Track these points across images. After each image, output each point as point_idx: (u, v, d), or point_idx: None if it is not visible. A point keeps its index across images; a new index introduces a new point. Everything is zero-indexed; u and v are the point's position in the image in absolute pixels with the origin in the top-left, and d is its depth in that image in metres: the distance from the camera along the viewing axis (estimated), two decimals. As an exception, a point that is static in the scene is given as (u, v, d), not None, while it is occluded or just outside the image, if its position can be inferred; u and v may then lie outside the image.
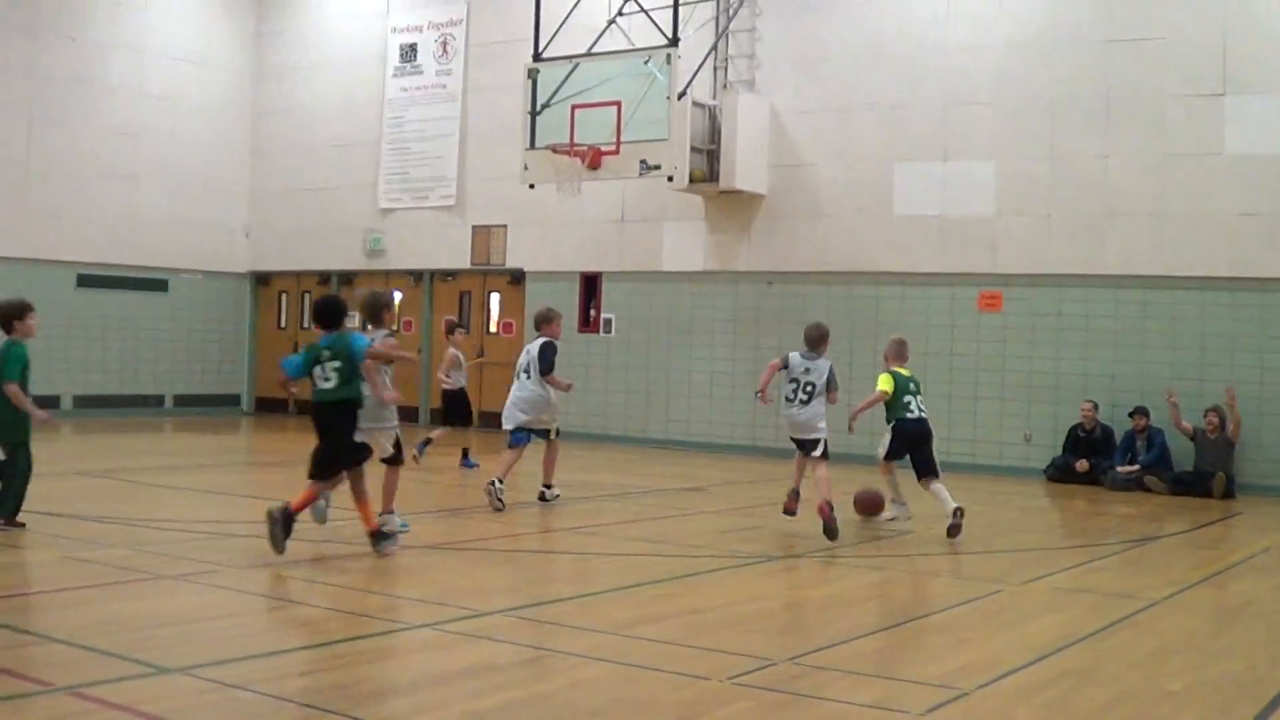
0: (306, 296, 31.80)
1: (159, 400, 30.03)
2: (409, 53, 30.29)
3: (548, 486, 17.13)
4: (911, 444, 15.66)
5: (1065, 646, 9.38)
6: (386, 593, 10.84)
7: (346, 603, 10.28)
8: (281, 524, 11.92)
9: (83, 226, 29.66)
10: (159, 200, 31.05)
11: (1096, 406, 21.73)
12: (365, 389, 12.60)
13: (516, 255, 28.28)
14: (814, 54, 24.86)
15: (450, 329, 22.21)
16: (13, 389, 13.18)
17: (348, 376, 12.41)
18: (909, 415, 15.65)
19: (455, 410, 21.47)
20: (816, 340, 15.45)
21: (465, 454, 21.28)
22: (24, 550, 12.30)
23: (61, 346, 28.97)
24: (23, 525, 13.10)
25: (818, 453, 15.08)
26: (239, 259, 32.74)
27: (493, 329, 28.86)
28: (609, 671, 8.28)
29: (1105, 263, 22.17)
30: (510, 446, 16.63)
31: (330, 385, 12.39)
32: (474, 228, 28.97)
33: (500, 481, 16.11)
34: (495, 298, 29.08)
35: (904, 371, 15.92)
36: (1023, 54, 22.94)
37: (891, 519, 16.00)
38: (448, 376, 21.33)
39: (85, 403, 29.47)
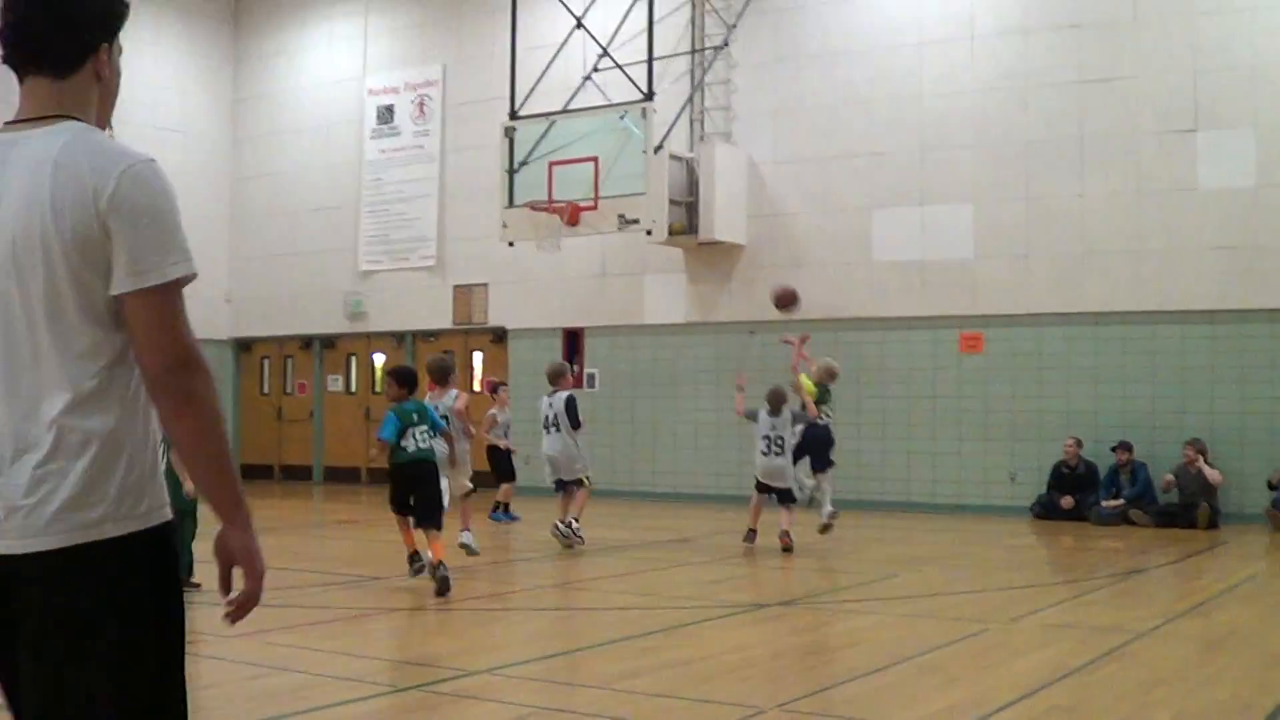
0: (289, 361, 31.88)
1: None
2: (386, 114, 30.39)
3: (574, 520, 18.09)
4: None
5: (1053, 682, 9.39)
6: (373, 655, 10.85)
7: (333, 667, 10.26)
8: (442, 579, 13.55)
9: (65, 299, 29.59)
10: (139, 270, 30.97)
11: (1080, 443, 21.80)
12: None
13: (498, 313, 28.32)
14: (790, 105, 25.00)
15: (494, 388, 22.70)
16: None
17: (432, 436, 14.26)
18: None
19: (503, 466, 22.10)
20: (777, 403, 17.76)
21: (505, 508, 22.02)
22: None
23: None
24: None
25: (791, 500, 17.85)
26: (221, 326, 32.73)
27: (476, 388, 28.87)
28: (598, 726, 8.31)
29: (1084, 300, 22.28)
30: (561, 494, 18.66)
31: (425, 446, 14.11)
32: (455, 287, 29.00)
33: (566, 522, 18.02)
34: (478, 356, 29.12)
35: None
36: (997, 97, 23.10)
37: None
38: (489, 434, 21.78)
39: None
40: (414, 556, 14.47)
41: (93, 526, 3.49)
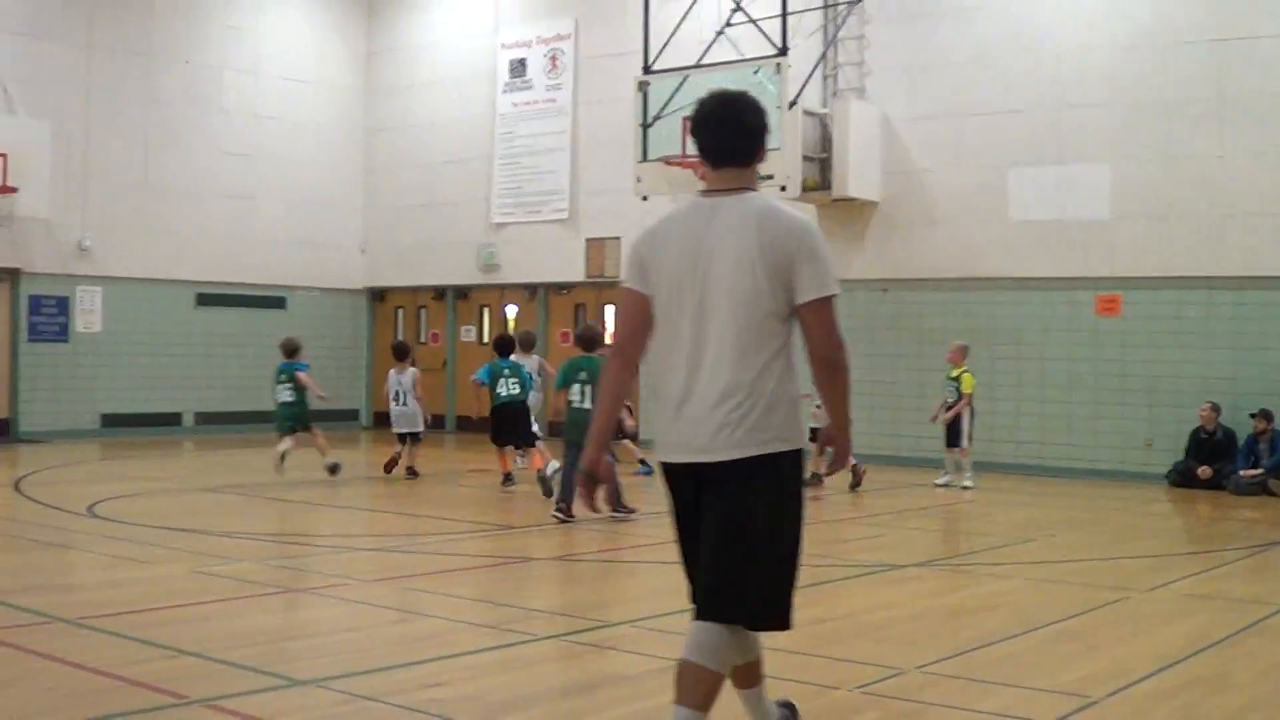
0: (423, 311, 32.11)
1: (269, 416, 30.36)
2: (519, 68, 30.47)
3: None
4: None
5: (1194, 653, 9.31)
6: (512, 604, 10.92)
7: (472, 615, 10.38)
8: (543, 481, 17.86)
9: (201, 246, 30.10)
10: (275, 219, 31.45)
11: (1216, 408, 21.42)
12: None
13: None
14: (924, 60, 24.76)
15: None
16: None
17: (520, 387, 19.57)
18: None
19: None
20: None
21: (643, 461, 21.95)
22: (153, 565, 12.51)
23: (182, 364, 29.45)
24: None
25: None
26: (355, 275, 33.08)
27: (608, 340, 28.90)
28: (736, 681, 8.33)
29: (1224, 264, 21.91)
30: None
31: (514, 391, 19.48)
32: (587, 240, 29.07)
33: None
34: (610, 310, 29.15)
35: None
36: (1134, 55, 22.73)
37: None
38: None
39: (206, 419, 29.88)
40: (508, 476, 19.41)
41: (765, 444, 5.87)
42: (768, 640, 6.34)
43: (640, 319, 6.14)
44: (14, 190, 25.63)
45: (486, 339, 30.63)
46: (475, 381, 19.92)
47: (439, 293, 32.05)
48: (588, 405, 15.78)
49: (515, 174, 30.27)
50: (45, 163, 26.42)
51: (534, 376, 20.88)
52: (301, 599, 11.01)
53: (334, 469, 20.49)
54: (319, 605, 10.79)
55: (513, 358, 20.02)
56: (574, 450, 15.23)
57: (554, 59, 29.85)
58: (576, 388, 16.19)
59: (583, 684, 8.35)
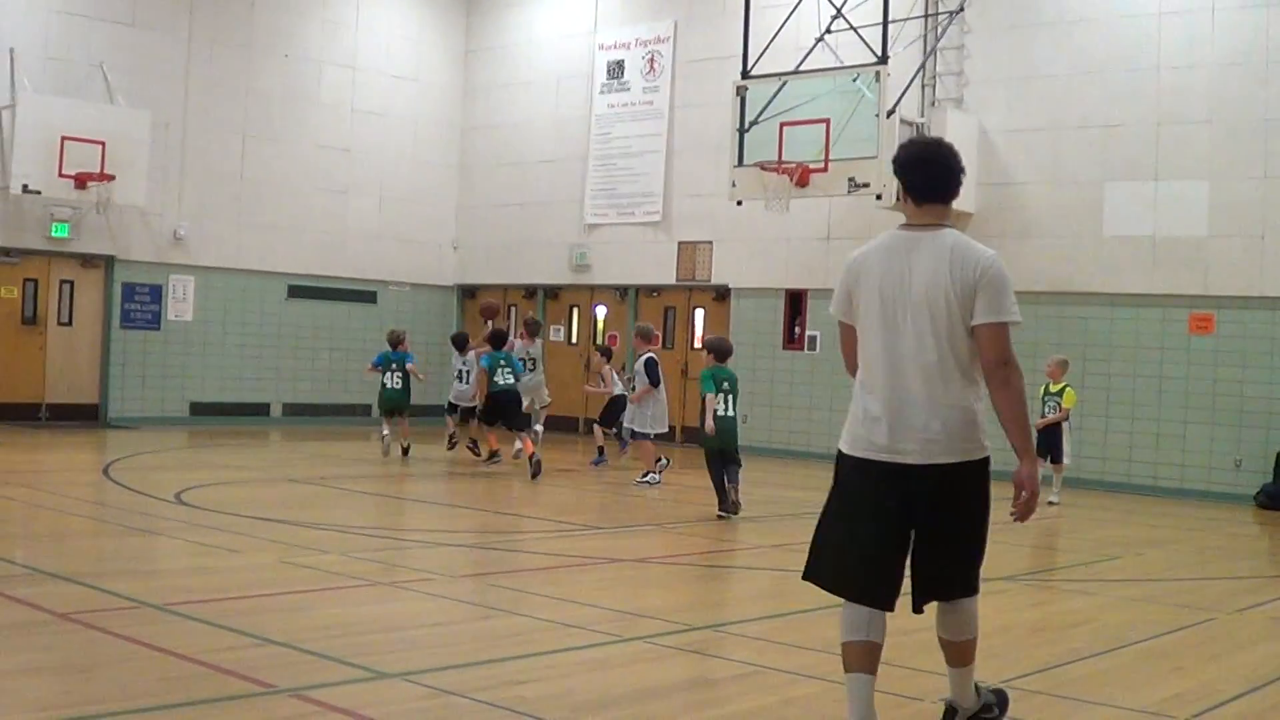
0: (513, 310, 32.20)
1: (365, 409, 30.46)
2: (616, 70, 30.52)
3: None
4: None
5: (1283, 677, 9.24)
6: (595, 604, 10.92)
7: (556, 614, 10.38)
8: (536, 463, 20.11)
9: (294, 239, 30.35)
10: (369, 214, 31.66)
11: (1310, 432, 21.26)
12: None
13: (722, 271, 28.33)
14: (1023, 72, 24.61)
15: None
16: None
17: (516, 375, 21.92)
18: None
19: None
20: None
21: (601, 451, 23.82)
22: (241, 554, 12.61)
23: (272, 355, 29.72)
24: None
25: None
26: (446, 272, 33.25)
27: (696, 345, 28.92)
28: (822, 690, 8.30)
29: (1321, 285, 21.73)
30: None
31: (508, 381, 21.69)
32: (679, 243, 29.08)
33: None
34: (700, 313, 29.13)
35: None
36: (1236, 71, 22.50)
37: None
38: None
39: (294, 410, 30.11)
40: (494, 453, 22.20)
41: (969, 452, 6.74)
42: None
43: (853, 342, 7.04)
44: (112, 178, 25.92)
45: (575, 339, 30.72)
46: (481, 368, 22.25)
47: (529, 291, 32.15)
48: (732, 413, 16.84)
49: (609, 175, 30.32)
50: (143, 152, 26.71)
51: (531, 360, 23.71)
52: (388, 592, 11.06)
53: (406, 450, 23.10)
54: (405, 599, 10.83)
55: (520, 343, 23.42)
56: (719, 457, 16.77)
57: (652, 61, 29.88)
58: (721, 397, 16.74)
59: (666, 687, 8.34)
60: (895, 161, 7.09)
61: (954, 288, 6.62)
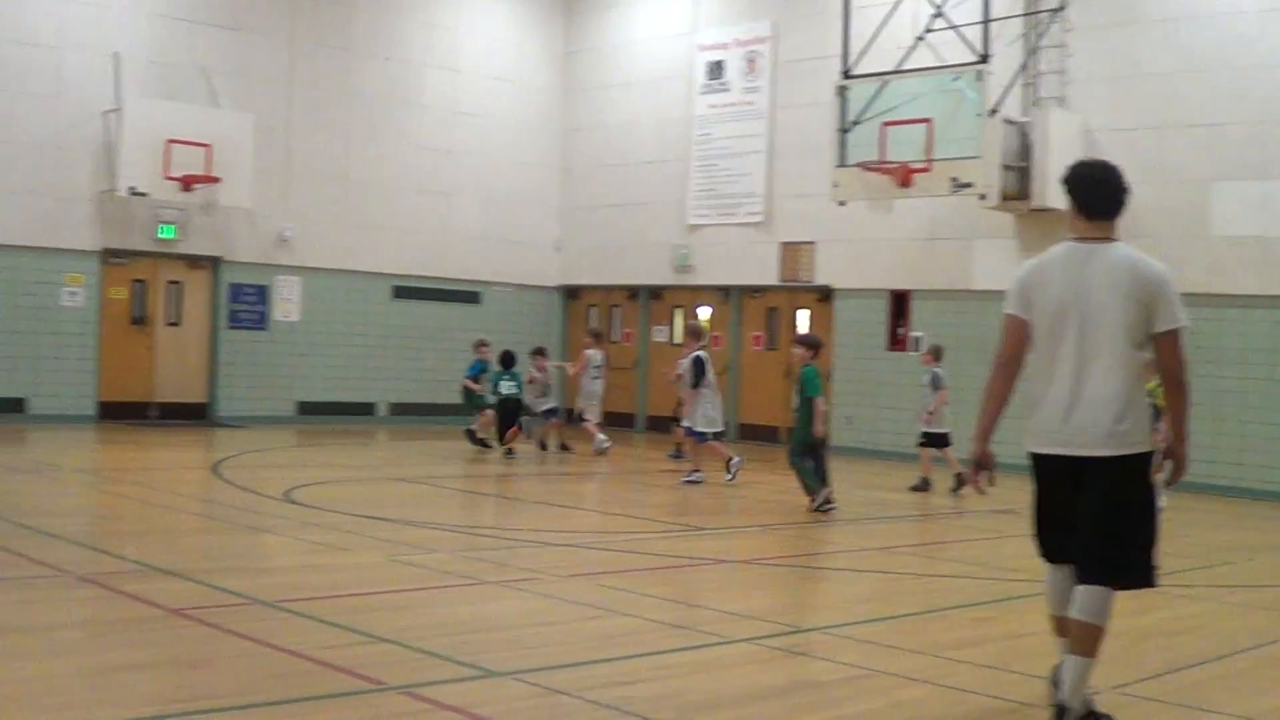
0: (615, 310, 32.26)
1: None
2: (716, 70, 30.50)
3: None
4: None
5: (1401, 684, 9.13)
6: (704, 606, 10.94)
7: (664, 614, 10.41)
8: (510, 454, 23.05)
9: (398, 240, 30.56)
10: (472, 215, 31.82)
11: None
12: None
13: (825, 272, 28.24)
14: (1127, 71, 24.36)
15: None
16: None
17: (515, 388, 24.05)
18: None
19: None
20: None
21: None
22: (350, 552, 12.71)
23: (377, 356, 29.93)
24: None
25: None
26: (549, 273, 33.35)
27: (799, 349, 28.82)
28: (930, 694, 8.27)
29: None
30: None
31: (510, 391, 23.90)
32: (782, 244, 29.02)
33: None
34: (803, 314, 29.04)
35: None
36: (1347, 69, 22.25)
37: None
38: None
39: (400, 410, 30.30)
40: (510, 450, 23.53)
41: (1135, 445, 7.46)
42: (966, 654, 6.36)
43: (1022, 340, 7.78)
44: (217, 180, 26.20)
45: (678, 340, 30.71)
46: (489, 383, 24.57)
47: (632, 292, 32.19)
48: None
49: (711, 176, 30.30)
50: (248, 154, 26.97)
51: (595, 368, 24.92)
52: (497, 591, 11.12)
53: (509, 451, 23.81)
54: (514, 598, 10.88)
55: (593, 352, 25.04)
56: (813, 453, 17.36)
57: (752, 61, 29.84)
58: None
59: (775, 689, 8.33)
60: (1066, 181, 7.76)
61: (1132, 296, 7.40)
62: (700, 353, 20.61)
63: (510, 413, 23.90)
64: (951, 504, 19.53)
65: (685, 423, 21.01)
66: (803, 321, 28.89)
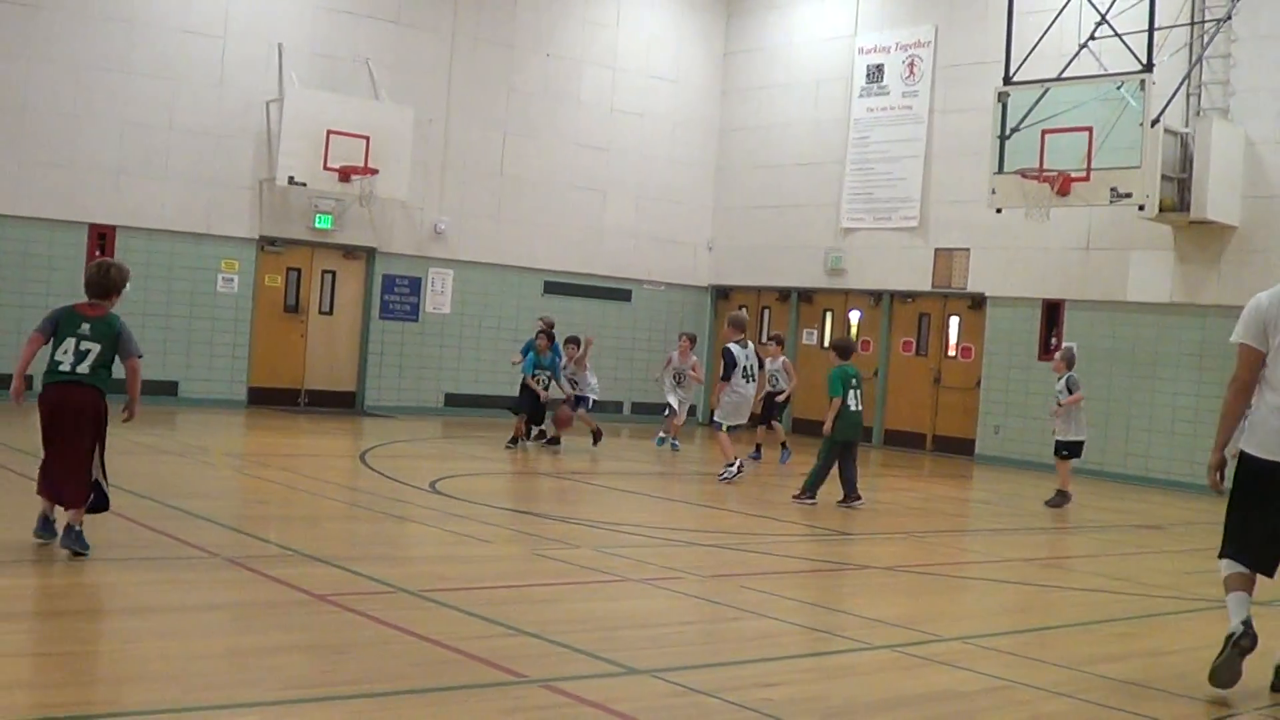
0: (766, 311, 32.21)
1: (618, 406, 30.73)
2: (875, 74, 30.35)
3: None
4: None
5: None
6: (844, 611, 10.89)
7: (805, 618, 10.38)
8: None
9: (551, 236, 30.72)
10: (625, 213, 31.91)
11: None
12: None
13: (978, 279, 27.98)
14: (1293, 82, 24.00)
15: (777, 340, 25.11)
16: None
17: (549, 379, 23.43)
18: None
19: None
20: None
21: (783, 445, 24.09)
22: (494, 544, 12.80)
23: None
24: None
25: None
26: (701, 272, 33.37)
27: (950, 353, 28.65)
28: (1071, 708, 8.16)
29: None
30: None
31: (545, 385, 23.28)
32: (936, 250, 28.81)
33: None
34: (954, 321, 28.81)
35: None
36: None
37: None
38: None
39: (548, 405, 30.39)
40: (515, 439, 22.78)
41: None
42: (1108, 670, 6.27)
43: (1256, 368, 8.67)
44: (375, 172, 26.48)
45: (828, 343, 30.53)
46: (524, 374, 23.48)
47: (783, 294, 32.10)
48: (859, 407, 17.77)
49: (867, 179, 30.16)
50: (406, 147, 27.26)
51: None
52: (638, 588, 11.14)
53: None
54: (656, 596, 10.90)
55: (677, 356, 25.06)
56: (840, 449, 17.57)
57: (912, 65, 29.67)
58: (851, 394, 17.53)
59: (915, 697, 8.26)
60: None
61: None
62: (734, 344, 20.23)
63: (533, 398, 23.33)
64: (1094, 518, 19.29)
65: (716, 416, 20.67)
66: (954, 328, 28.64)
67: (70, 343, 10.38)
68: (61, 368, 10.35)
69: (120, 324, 10.60)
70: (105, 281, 10.67)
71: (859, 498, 17.50)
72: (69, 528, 10.32)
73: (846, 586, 12.42)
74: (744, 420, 20.69)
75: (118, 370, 10.49)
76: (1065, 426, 19.85)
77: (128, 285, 10.80)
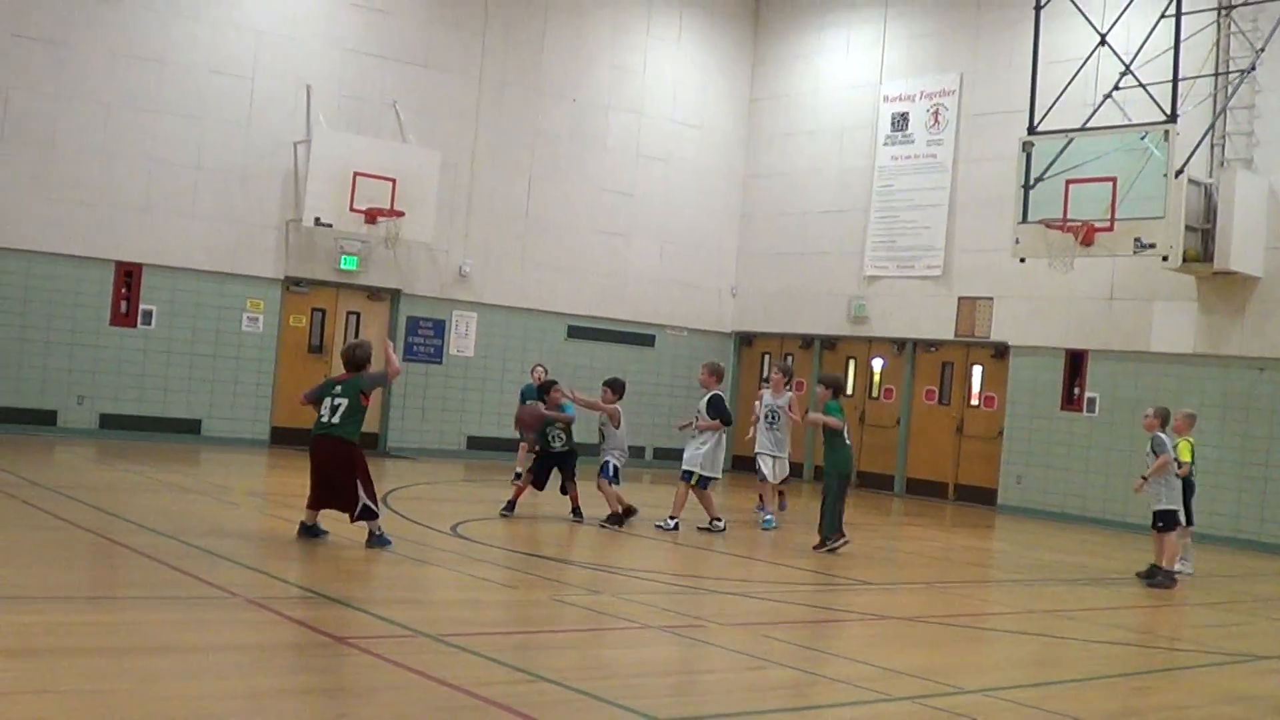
0: (789, 358, 32.19)
1: (640, 452, 30.74)
2: (900, 122, 30.43)
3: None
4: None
5: None
6: (865, 661, 10.87)
7: (827, 668, 10.36)
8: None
9: (575, 280, 30.81)
10: (649, 258, 32.00)
11: None
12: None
13: (1001, 328, 27.97)
14: (1317, 134, 24.01)
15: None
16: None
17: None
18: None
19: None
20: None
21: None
22: (514, 589, 12.82)
23: (550, 394, 30.09)
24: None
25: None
26: (724, 318, 33.43)
27: (973, 402, 28.63)
28: (1092, 761, 8.18)
29: None
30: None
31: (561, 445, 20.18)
32: (959, 299, 28.81)
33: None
34: (977, 370, 28.79)
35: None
36: None
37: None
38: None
39: (569, 450, 30.43)
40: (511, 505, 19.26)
41: None
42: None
43: None
44: (401, 214, 26.60)
45: (852, 390, 30.50)
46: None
47: (806, 341, 32.13)
48: (850, 441, 18.17)
49: (890, 227, 30.20)
50: (432, 190, 27.41)
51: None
52: (658, 636, 11.13)
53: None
54: (676, 644, 10.89)
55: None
56: (841, 482, 17.71)
57: (936, 114, 29.74)
58: (845, 428, 17.92)
59: (935, 748, 8.27)
60: None
61: None
62: (717, 392, 19.54)
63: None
64: (1114, 569, 19.22)
65: (693, 466, 19.23)
66: (976, 377, 28.61)
67: (327, 401, 14.51)
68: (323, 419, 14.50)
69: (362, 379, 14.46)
70: (350, 359, 14.74)
71: (845, 539, 17.60)
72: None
73: (868, 636, 12.40)
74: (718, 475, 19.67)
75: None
76: (1157, 494, 17.95)
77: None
